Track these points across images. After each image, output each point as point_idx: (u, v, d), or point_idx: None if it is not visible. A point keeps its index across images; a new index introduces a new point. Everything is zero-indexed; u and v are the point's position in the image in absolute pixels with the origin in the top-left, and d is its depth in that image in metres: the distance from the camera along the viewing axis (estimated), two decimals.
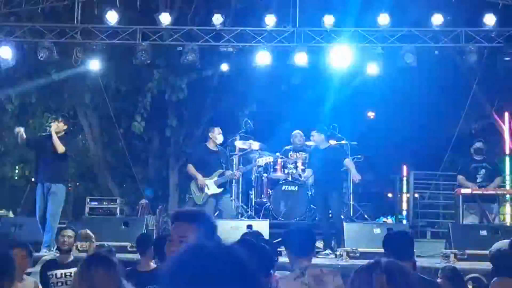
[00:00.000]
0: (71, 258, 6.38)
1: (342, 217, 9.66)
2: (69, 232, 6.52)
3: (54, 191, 8.94)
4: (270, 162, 10.50)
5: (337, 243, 9.07)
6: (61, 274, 6.17)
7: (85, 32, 10.50)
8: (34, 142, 9.64)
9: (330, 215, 9.52)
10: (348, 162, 9.78)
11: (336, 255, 8.73)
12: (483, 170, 9.72)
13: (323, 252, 9.09)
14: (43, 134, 9.69)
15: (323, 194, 9.43)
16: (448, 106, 13.16)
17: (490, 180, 9.69)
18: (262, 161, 10.38)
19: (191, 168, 9.68)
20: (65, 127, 9.30)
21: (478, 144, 9.83)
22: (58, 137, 9.08)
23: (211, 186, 9.53)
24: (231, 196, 10.52)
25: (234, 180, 10.61)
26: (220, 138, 9.76)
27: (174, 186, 14.52)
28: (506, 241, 5.56)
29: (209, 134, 9.80)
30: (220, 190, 9.55)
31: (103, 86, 12.57)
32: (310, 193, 10.16)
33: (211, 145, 9.73)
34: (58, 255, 6.64)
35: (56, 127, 9.14)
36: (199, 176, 9.53)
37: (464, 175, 9.77)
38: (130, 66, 11.48)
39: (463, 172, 9.81)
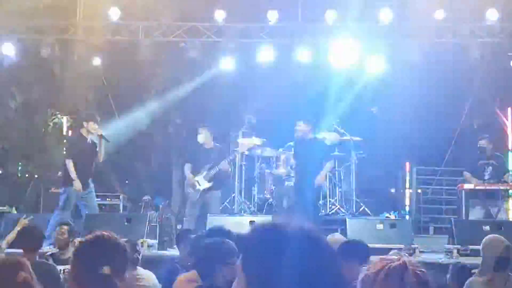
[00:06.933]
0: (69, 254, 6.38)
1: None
2: (64, 228, 6.59)
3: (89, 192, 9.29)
4: (252, 146, 10.49)
5: None
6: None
7: (87, 29, 10.50)
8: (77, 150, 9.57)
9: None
10: (327, 166, 9.39)
11: None
12: (490, 168, 9.67)
13: None
14: (77, 137, 9.72)
15: (297, 187, 9.37)
16: (451, 101, 13.10)
17: (497, 177, 9.62)
18: (244, 147, 10.34)
19: (185, 168, 9.85)
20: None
21: (482, 142, 9.75)
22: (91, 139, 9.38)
23: (201, 182, 9.56)
24: (233, 192, 10.52)
25: (236, 177, 10.58)
26: (202, 139, 9.78)
27: (177, 183, 14.49)
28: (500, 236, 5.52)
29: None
30: (210, 184, 9.56)
31: (105, 83, 12.55)
32: None
33: (205, 144, 9.75)
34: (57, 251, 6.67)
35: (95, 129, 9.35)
36: (188, 176, 9.65)
37: (471, 172, 9.72)
38: (133, 63, 11.45)
39: (470, 169, 9.76)
